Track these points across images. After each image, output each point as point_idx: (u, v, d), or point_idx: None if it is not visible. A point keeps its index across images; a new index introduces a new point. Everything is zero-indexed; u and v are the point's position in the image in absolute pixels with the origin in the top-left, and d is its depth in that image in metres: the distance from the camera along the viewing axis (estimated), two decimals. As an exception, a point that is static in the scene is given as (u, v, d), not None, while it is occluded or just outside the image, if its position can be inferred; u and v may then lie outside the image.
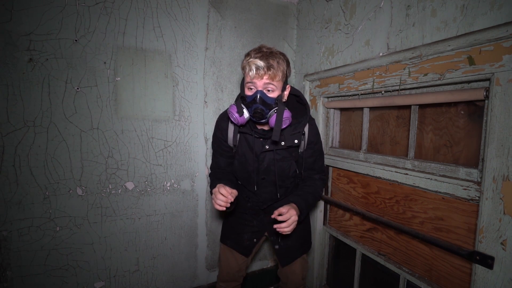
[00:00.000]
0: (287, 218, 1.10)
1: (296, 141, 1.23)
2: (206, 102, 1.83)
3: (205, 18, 1.76)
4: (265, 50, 1.11)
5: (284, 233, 1.11)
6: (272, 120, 1.13)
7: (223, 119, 1.32)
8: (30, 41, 1.37)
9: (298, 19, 2.02)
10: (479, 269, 0.98)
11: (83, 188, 1.55)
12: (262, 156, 1.27)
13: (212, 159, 1.43)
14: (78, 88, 1.49)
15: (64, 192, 1.52)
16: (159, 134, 1.71)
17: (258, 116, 1.13)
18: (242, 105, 1.15)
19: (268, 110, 1.12)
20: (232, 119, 1.17)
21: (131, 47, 1.59)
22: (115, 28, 1.54)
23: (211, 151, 1.51)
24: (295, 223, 1.12)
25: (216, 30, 1.80)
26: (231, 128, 1.29)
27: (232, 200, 1.09)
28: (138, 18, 1.58)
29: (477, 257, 0.98)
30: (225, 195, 1.08)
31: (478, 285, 0.99)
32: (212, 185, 1.33)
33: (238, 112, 1.14)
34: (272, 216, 1.12)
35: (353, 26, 1.50)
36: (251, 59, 1.08)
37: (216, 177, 1.35)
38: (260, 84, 1.10)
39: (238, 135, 1.28)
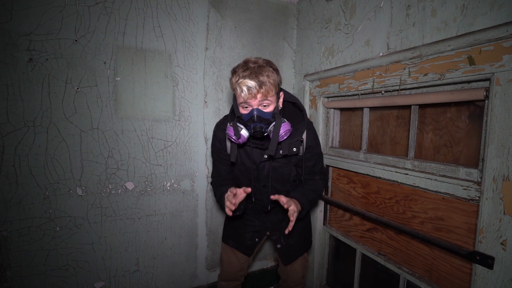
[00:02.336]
0: (286, 203, 1.12)
1: (294, 149, 1.22)
2: (206, 102, 1.83)
3: (205, 18, 1.76)
4: (251, 65, 1.06)
5: (291, 224, 1.13)
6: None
7: (220, 129, 1.31)
8: (30, 41, 1.37)
9: (298, 19, 2.02)
10: (479, 269, 0.98)
11: (83, 188, 1.55)
12: (262, 165, 1.27)
13: (212, 168, 1.44)
14: (78, 88, 1.49)
15: (64, 192, 1.52)
16: (159, 134, 1.71)
17: (258, 134, 1.10)
18: (239, 125, 1.12)
19: (267, 126, 1.10)
20: (232, 140, 1.16)
21: (131, 47, 1.59)
22: (115, 28, 1.54)
23: (211, 157, 1.50)
24: (296, 213, 1.13)
25: (216, 30, 1.80)
26: (228, 139, 1.28)
27: (236, 203, 1.13)
28: (138, 18, 1.58)
29: (477, 257, 0.98)
30: (231, 202, 1.13)
31: (478, 285, 0.99)
32: (216, 192, 1.35)
33: (235, 135, 1.12)
34: (272, 197, 1.15)
35: (353, 26, 1.50)
36: (240, 80, 1.04)
37: (219, 184, 1.36)
38: (255, 103, 1.07)
39: (238, 147, 1.27)
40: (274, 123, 1.10)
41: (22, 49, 1.37)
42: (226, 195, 1.17)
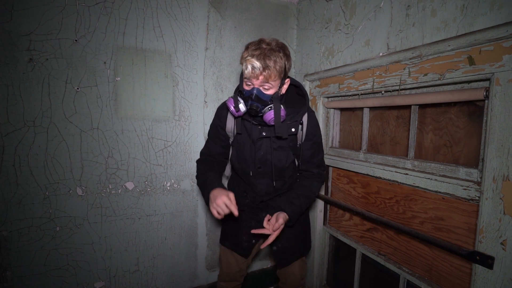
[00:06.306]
0: (269, 232, 1.17)
1: (293, 129, 1.22)
2: (206, 102, 1.83)
3: (205, 18, 1.76)
4: (264, 46, 1.09)
5: (272, 238, 1.17)
6: (267, 116, 1.14)
7: (224, 108, 1.33)
8: (30, 41, 1.37)
9: (298, 19, 2.02)
10: (479, 269, 0.98)
11: (83, 188, 1.55)
12: (259, 143, 1.26)
13: (204, 145, 1.42)
14: (78, 88, 1.49)
15: (64, 192, 1.52)
16: (159, 134, 1.71)
17: (253, 112, 1.15)
18: (239, 99, 1.16)
19: (263, 107, 1.13)
20: (230, 111, 1.20)
21: (131, 47, 1.59)
22: (115, 28, 1.54)
23: (207, 135, 1.47)
24: (278, 230, 1.17)
25: (216, 30, 1.80)
26: (230, 116, 1.29)
27: (236, 212, 1.11)
28: (138, 18, 1.58)
29: (477, 257, 0.98)
30: (228, 206, 1.10)
31: (478, 285, 0.99)
32: (199, 177, 1.32)
33: (234, 107, 1.16)
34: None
35: (353, 26, 1.50)
36: (248, 57, 1.08)
37: (205, 167, 1.34)
38: (256, 82, 1.11)
39: (240, 121, 1.28)
40: (271, 106, 1.13)
41: (22, 49, 1.37)
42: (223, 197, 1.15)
